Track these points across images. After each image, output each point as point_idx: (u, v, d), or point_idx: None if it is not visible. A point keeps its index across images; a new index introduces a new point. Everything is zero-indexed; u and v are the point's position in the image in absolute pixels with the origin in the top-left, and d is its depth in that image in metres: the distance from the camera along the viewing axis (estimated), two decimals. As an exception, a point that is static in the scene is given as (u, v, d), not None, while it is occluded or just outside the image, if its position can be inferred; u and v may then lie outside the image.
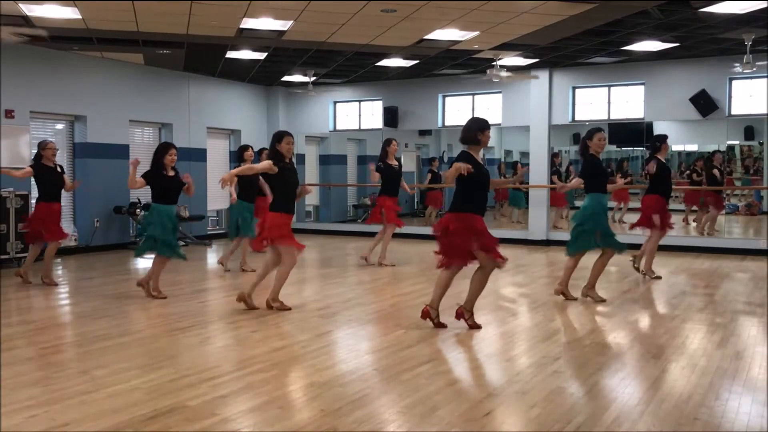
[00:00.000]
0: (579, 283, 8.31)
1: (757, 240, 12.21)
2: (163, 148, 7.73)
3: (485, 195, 6.21)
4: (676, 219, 9.54)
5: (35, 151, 11.42)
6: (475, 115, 6.49)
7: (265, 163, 6.95)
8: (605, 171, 7.83)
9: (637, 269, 9.15)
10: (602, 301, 7.51)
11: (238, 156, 10.05)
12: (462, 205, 6.05)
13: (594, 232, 7.40)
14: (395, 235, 10.74)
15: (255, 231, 8.00)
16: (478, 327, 6.22)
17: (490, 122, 6.34)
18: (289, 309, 7.05)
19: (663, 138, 8.99)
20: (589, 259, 7.70)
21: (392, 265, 10.19)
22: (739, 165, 17.75)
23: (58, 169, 8.70)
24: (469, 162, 5.96)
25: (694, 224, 14.60)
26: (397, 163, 10.46)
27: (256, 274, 7.31)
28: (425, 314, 6.27)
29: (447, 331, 6.17)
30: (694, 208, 14.42)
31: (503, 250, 6.18)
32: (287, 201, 6.98)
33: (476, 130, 6.12)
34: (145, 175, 7.63)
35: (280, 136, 6.99)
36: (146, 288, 7.75)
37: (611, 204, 15.48)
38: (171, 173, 7.70)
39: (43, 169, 8.53)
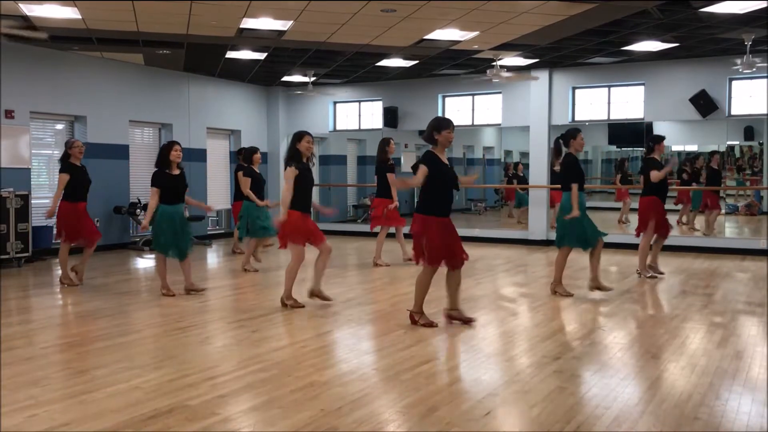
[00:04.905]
0: (578, 283, 8.32)
1: (757, 240, 12.20)
2: (167, 145, 7.86)
3: (451, 196, 6.20)
4: (670, 220, 9.50)
5: (35, 151, 11.52)
6: (442, 115, 6.45)
7: (291, 176, 6.96)
8: (582, 170, 7.91)
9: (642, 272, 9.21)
10: (569, 295, 7.74)
11: (245, 159, 10.17)
12: (426, 207, 6.10)
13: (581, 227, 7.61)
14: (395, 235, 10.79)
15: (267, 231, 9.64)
16: (470, 321, 6.36)
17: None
18: (303, 306, 7.16)
19: (656, 139, 9.03)
20: (587, 258, 7.72)
21: (387, 265, 10.30)
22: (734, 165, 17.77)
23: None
24: (433, 162, 6.03)
25: (684, 226, 14.61)
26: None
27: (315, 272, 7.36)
28: (412, 320, 6.33)
29: (447, 330, 6.17)
30: (691, 208, 14.43)
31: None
32: (305, 200, 7.08)
33: (432, 129, 6.12)
34: (153, 182, 7.69)
35: (300, 136, 7.11)
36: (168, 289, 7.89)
37: (617, 204, 15.53)
38: (176, 171, 7.80)
39: (73, 168, 8.52)
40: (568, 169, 7.61)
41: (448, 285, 6.31)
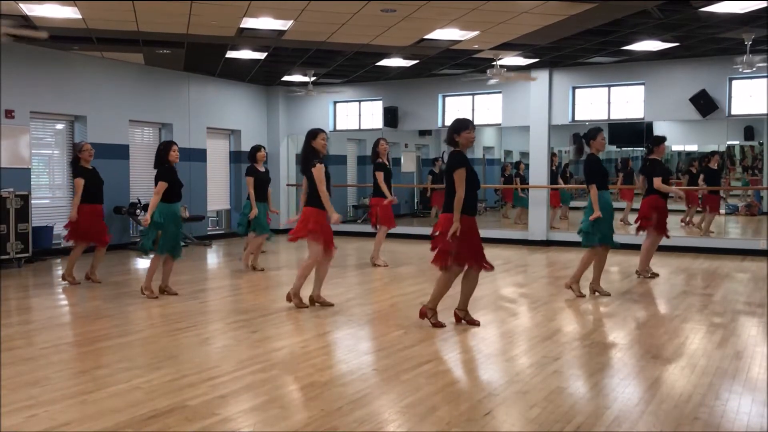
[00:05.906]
0: (584, 283, 8.32)
1: (757, 240, 12.20)
2: (166, 145, 7.81)
3: (476, 196, 6.20)
4: (674, 219, 9.48)
5: (35, 151, 11.52)
6: (461, 117, 6.38)
7: (321, 174, 6.93)
8: (606, 169, 7.91)
9: (639, 274, 9.22)
10: (582, 296, 7.78)
11: (249, 157, 9.94)
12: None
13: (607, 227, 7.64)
14: (394, 235, 10.77)
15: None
16: (476, 323, 6.34)
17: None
18: (307, 306, 7.16)
19: (657, 141, 9.04)
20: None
21: (386, 265, 10.28)
22: (739, 165, 17.76)
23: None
24: (467, 162, 6.08)
25: (688, 225, 14.60)
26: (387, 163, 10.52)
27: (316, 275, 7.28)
28: (422, 314, 6.32)
29: (447, 331, 6.17)
30: (699, 209, 14.42)
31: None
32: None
33: (452, 131, 6.15)
34: (163, 176, 7.59)
35: (314, 134, 7.06)
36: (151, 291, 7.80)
37: (622, 204, 15.54)
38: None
39: (85, 171, 8.57)
40: (589, 169, 7.64)
41: (464, 285, 6.28)
